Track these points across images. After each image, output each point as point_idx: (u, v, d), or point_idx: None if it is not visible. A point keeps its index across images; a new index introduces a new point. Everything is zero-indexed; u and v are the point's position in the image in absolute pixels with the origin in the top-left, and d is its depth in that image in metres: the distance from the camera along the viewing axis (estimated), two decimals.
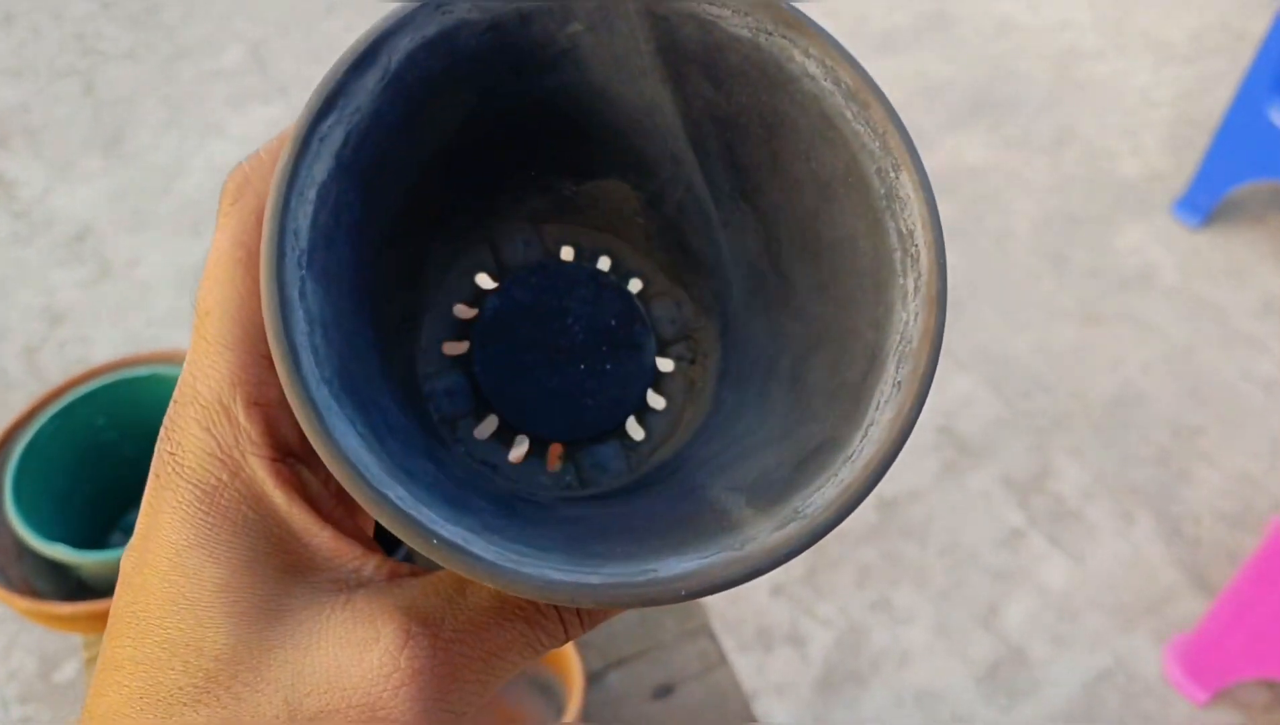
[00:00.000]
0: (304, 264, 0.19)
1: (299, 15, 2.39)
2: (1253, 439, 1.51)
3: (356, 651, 0.20)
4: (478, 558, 0.18)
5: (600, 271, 0.29)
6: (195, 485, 0.21)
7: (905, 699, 1.26)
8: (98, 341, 1.66)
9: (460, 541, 0.18)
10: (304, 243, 0.20)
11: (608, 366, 0.28)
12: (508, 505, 0.23)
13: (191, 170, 1.99)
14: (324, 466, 0.22)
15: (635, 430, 0.28)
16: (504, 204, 0.28)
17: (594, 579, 0.19)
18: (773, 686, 1.27)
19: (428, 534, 0.18)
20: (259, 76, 2.22)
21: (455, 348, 0.27)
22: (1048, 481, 1.47)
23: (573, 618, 0.22)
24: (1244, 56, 1.66)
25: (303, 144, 0.20)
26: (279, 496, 0.21)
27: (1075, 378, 1.60)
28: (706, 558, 0.20)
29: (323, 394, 0.19)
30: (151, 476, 0.22)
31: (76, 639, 1.28)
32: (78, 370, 0.76)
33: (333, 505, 0.23)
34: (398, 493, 0.18)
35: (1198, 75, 2.20)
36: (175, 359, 0.77)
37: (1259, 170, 1.72)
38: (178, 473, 0.21)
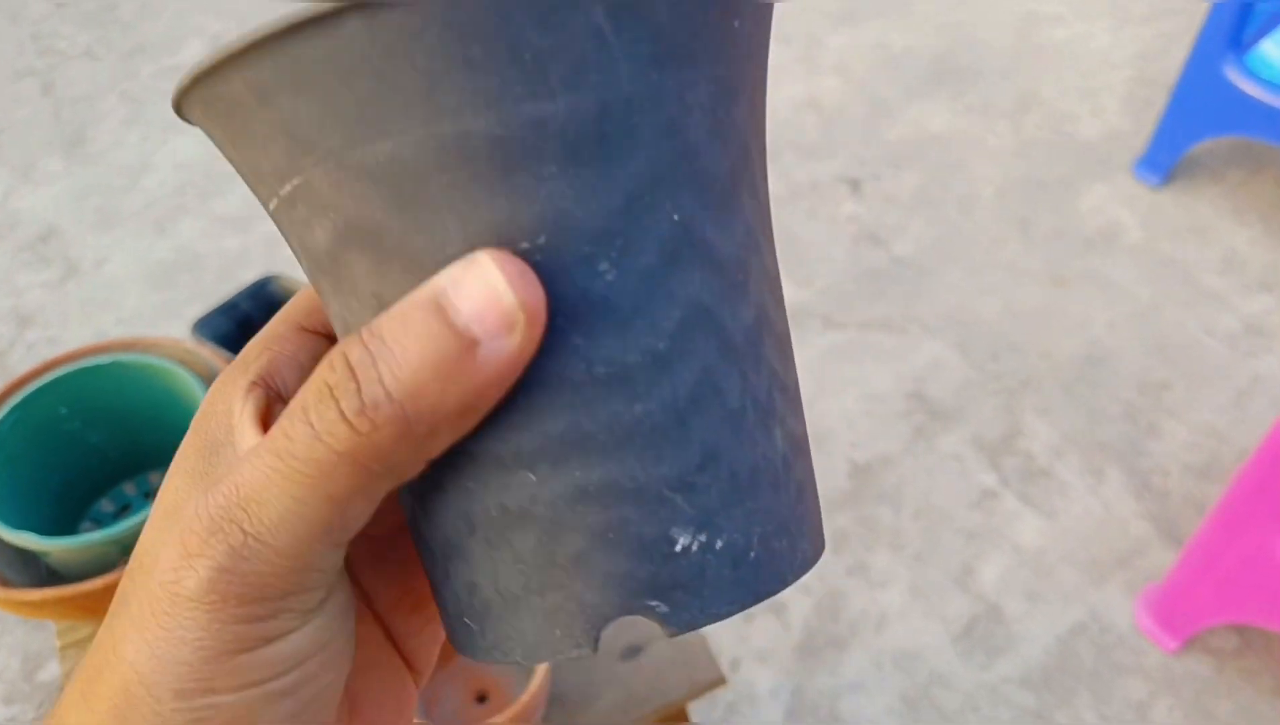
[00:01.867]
0: None
1: (258, 7, 2.37)
2: (1217, 392, 1.53)
3: (169, 519, 0.21)
4: None
5: None
6: (196, 418, 0.23)
7: (884, 661, 1.28)
8: (67, 342, 1.66)
9: None
10: None
11: None
12: None
13: (155, 167, 1.98)
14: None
15: None
16: None
17: None
18: (755, 653, 1.28)
19: None
20: None
21: None
22: (1018, 441, 1.48)
23: (326, 419, 0.18)
24: (1200, 15, 1.68)
25: None
26: (237, 406, 0.22)
27: (1043, 338, 1.62)
28: None
29: None
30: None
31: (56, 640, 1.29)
32: (43, 361, 0.76)
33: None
34: None
35: (1156, 35, 2.22)
36: (136, 347, 0.77)
37: (1216, 127, 1.74)
38: (193, 430, 0.23)
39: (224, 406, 0.22)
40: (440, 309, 0.18)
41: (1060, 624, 1.30)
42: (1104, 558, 1.36)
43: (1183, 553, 1.23)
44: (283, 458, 0.19)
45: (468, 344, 0.18)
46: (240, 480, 0.19)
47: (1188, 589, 1.22)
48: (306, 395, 0.19)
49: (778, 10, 2.37)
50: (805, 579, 1.34)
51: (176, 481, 0.22)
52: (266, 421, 0.21)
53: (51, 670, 1.28)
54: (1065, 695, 1.24)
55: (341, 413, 0.18)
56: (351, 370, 0.18)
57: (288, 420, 0.19)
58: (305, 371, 0.23)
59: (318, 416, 0.18)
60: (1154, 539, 1.37)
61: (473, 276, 0.18)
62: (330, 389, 0.18)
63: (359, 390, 0.18)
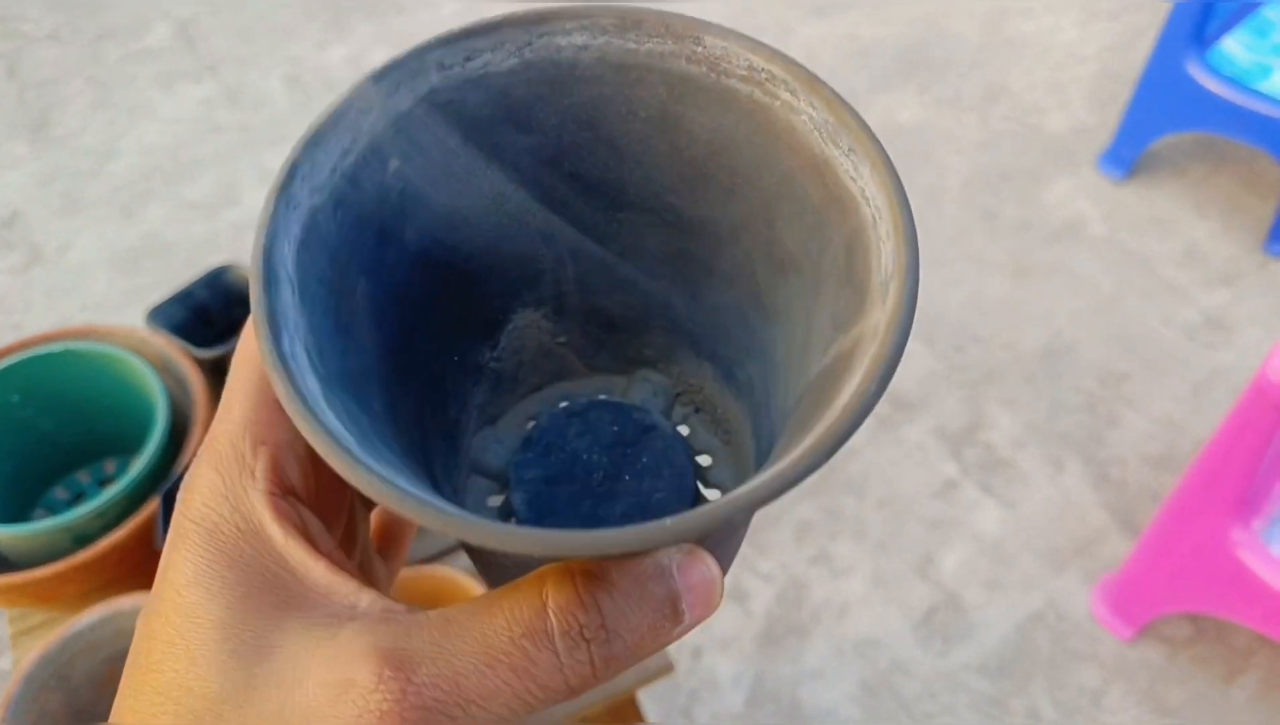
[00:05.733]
0: (294, 278, 0.21)
1: None
2: (1176, 384, 1.55)
3: (334, 693, 0.20)
4: (444, 509, 0.19)
5: (631, 405, 0.30)
6: (199, 524, 0.22)
7: (845, 649, 1.29)
8: (30, 328, 1.65)
9: (423, 496, 0.19)
10: (291, 268, 0.21)
11: (655, 496, 0.28)
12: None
13: (122, 152, 1.96)
14: (335, 514, 0.24)
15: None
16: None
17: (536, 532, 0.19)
18: (717, 642, 1.29)
19: (395, 489, 0.19)
20: (188, 55, 2.19)
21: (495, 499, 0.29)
22: (980, 432, 1.50)
23: (577, 661, 0.21)
24: (1166, 11, 1.69)
25: (278, 197, 0.21)
26: (276, 529, 0.22)
27: (1006, 329, 1.63)
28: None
29: (303, 375, 0.20)
30: (169, 532, 0.23)
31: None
32: None
33: (331, 546, 0.23)
34: (371, 462, 0.19)
35: (1122, 30, 2.24)
36: (90, 335, 0.77)
37: (1178, 123, 1.76)
38: (185, 515, 0.22)
39: (245, 519, 0.22)
40: (670, 587, 0.21)
41: (1018, 612, 1.32)
42: (1062, 547, 1.38)
43: (1137, 543, 1.25)
44: (521, 677, 0.20)
45: (681, 618, 0.21)
46: (463, 681, 0.20)
47: (1142, 579, 1.24)
48: (552, 624, 0.20)
49: (748, 1, 2.37)
50: (768, 568, 1.35)
51: (216, 602, 0.21)
52: (306, 535, 0.22)
53: (3, 663, 1.28)
54: (1021, 682, 1.25)
55: (591, 658, 0.20)
56: (603, 619, 0.20)
57: (531, 643, 0.20)
58: (303, 460, 0.23)
59: (566, 654, 0.20)
60: (1111, 529, 1.39)
61: (696, 566, 0.21)
62: (582, 631, 0.20)
63: (608, 640, 0.20)
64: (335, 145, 0.22)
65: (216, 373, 0.77)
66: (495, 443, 0.29)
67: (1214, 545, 1.11)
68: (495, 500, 0.28)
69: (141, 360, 0.73)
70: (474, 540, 0.18)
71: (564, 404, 0.29)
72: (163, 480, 0.70)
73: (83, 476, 0.80)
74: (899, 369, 0.20)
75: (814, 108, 0.24)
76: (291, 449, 0.23)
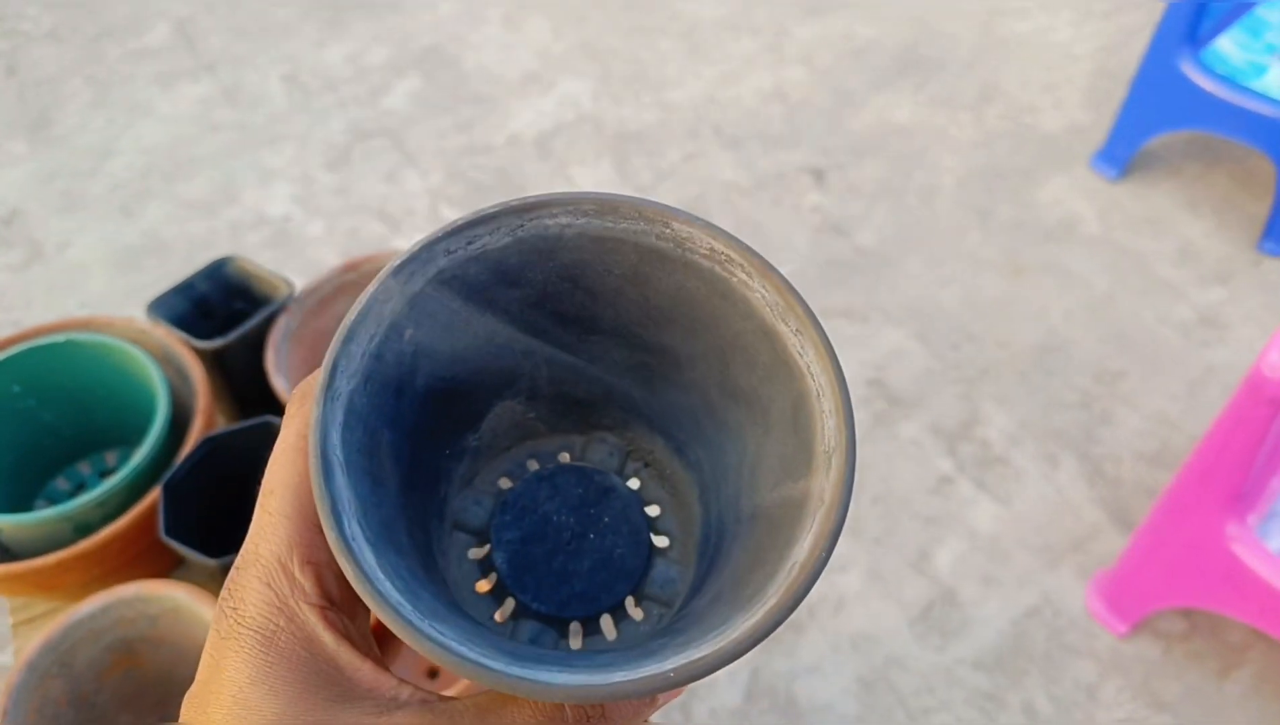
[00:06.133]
0: (342, 460, 0.25)
1: None
2: (1170, 381, 1.56)
3: None
4: (501, 672, 0.23)
5: (596, 472, 0.34)
6: (256, 632, 0.25)
7: (842, 644, 1.30)
8: (29, 325, 1.65)
9: (486, 660, 0.23)
10: (339, 453, 0.25)
11: (616, 551, 0.33)
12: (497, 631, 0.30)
13: (120, 151, 1.97)
14: (363, 615, 0.28)
15: (634, 611, 0.34)
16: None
17: (602, 679, 0.23)
18: None
19: (456, 655, 0.23)
20: (187, 54, 2.19)
21: (478, 552, 0.33)
22: (975, 429, 1.51)
23: None
24: (1160, 10, 1.70)
25: (325, 394, 0.25)
26: (328, 637, 0.25)
27: (1001, 327, 1.64)
28: (646, 671, 0.24)
29: (364, 552, 0.24)
30: (212, 633, 0.26)
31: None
32: None
33: (369, 647, 0.27)
34: (431, 625, 0.23)
35: (1116, 29, 2.25)
36: (91, 326, 0.77)
37: (1173, 121, 1.76)
38: (239, 623, 0.25)
39: (299, 629, 0.25)
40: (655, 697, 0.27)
41: (1014, 608, 1.32)
42: (1057, 543, 1.38)
43: (1132, 539, 1.25)
44: None
45: (656, 708, 0.27)
46: None
47: (1137, 574, 1.25)
48: (568, 714, 0.25)
49: (746, 1, 2.38)
50: None
51: (279, 698, 0.24)
52: (351, 640, 0.26)
53: (4, 657, 1.28)
54: (1017, 677, 1.26)
55: None
56: (604, 710, 0.26)
57: None
58: (339, 576, 0.27)
59: None
60: (1106, 525, 1.40)
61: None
62: (589, 719, 0.26)
63: (605, 718, 0.26)
64: (364, 335, 0.27)
65: (217, 364, 0.78)
66: (474, 504, 0.33)
67: (1209, 541, 1.11)
68: (475, 553, 0.33)
69: (142, 351, 0.74)
70: (528, 696, 0.23)
71: (534, 467, 0.34)
72: (164, 470, 0.71)
73: (84, 467, 0.81)
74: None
75: (766, 290, 0.28)
76: (330, 568, 0.26)
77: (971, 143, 1.97)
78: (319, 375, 0.27)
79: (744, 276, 0.28)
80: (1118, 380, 1.57)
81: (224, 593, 0.26)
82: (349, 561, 0.23)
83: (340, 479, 0.25)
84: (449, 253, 0.28)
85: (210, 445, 0.70)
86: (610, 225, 0.29)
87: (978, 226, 1.80)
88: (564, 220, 0.29)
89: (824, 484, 0.26)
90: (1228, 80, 1.64)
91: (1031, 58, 2.17)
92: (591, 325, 0.32)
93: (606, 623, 0.33)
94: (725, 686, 1.25)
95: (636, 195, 0.31)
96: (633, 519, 0.33)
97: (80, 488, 0.80)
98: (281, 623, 0.25)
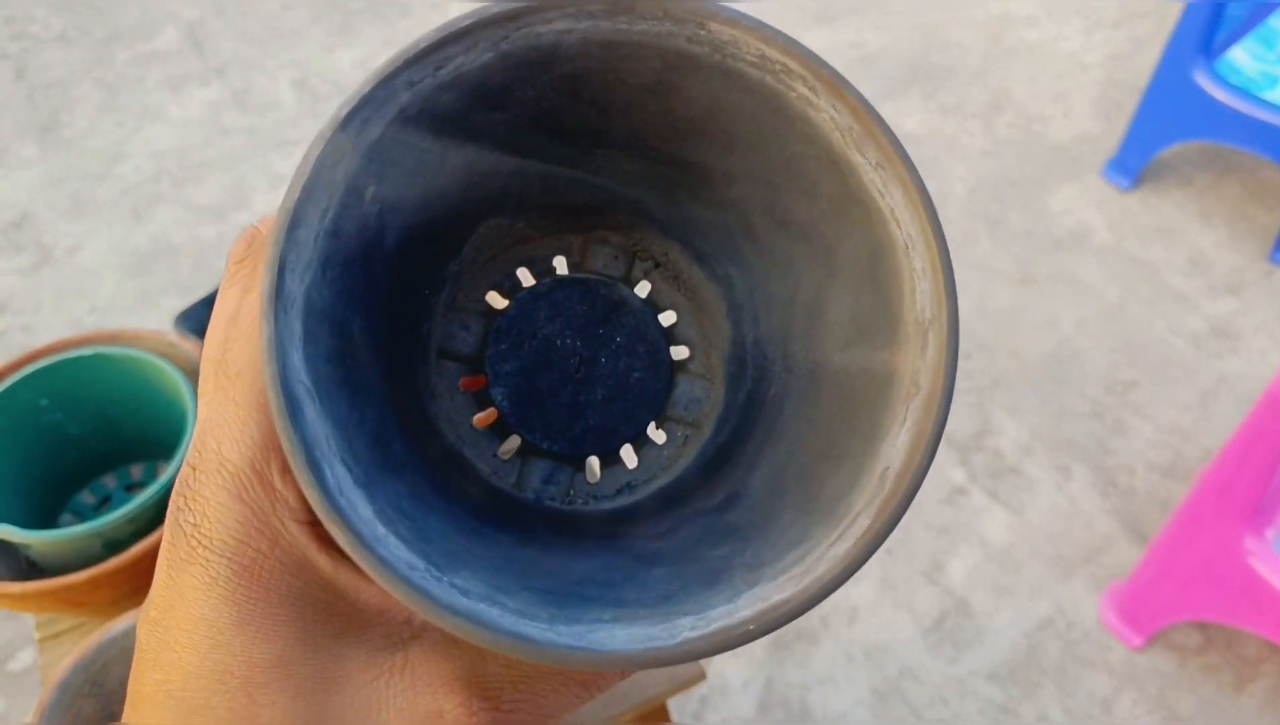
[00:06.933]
0: (309, 386, 0.20)
1: None
2: (1182, 392, 1.56)
3: (420, 724, 0.20)
4: (552, 645, 0.19)
5: (611, 282, 0.29)
6: (230, 559, 0.20)
7: (855, 654, 1.30)
8: (39, 329, 1.65)
9: (528, 629, 0.19)
10: (305, 377, 0.20)
11: (633, 376, 0.28)
12: (524, 544, 0.24)
13: (130, 154, 1.97)
14: None
15: (655, 434, 0.29)
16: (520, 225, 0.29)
17: (667, 637, 0.20)
18: None
19: (494, 632, 0.19)
20: (196, 58, 2.19)
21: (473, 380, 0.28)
22: (987, 439, 1.51)
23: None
24: (1170, 20, 1.70)
25: (274, 305, 0.20)
26: (323, 560, 0.21)
27: (1012, 337, 1.64)
28: (718, 620, 0.21)
29: (356, 509, 0.19)
30: (167, 547, 0.21)
31: (30, 629, 1.28)
32: (23, 352, 0.76)
33: None
34: (452, 585, 0.20)
35: (1126, 38, 2.25)
36: (118, 339, 0.77)
37: (1186, 132, 1.76)
38: (205, 547, 0.20)
39: (286, 553, 0.21)
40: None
41: (1027, 619, 1.32)
42: (1070, 554, 1.38)
43: (1147, 552, 1.25)
44: (589, 688, 0.23)
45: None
46: (543, 702, 0.22)
47: (1152, 587, 1.25)
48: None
49: (755, 8, 2.35)
50: None
51: (271, 641, 0.20)
52: (347, 558, 0.22)
53: (23, 660, 1.28)
54: (1031, 689, 1.26)
55: None
56: None
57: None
58: None
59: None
60: (1119, 536, 1.40)
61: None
62: None
63: None
64: (314, 213, 0.21)
65: None
66: (461, 328, 0.28)
67: (1226, 554, 1.11)
68: (468, 381, 0.28)
69: (171, 364, 0.74)
70: (586, 668, 0.20)
71: (525, 276, 0.29)
72: None
73: (109, 480, 0.80)
74: None
75: (836, 110, 0.22)
76: None
77: (981, 151, 1.97)
78: (273, 231, 0.21)
79: (806, 91, 0.22)
80: (1129, 390, 1.57)
81: (177, 500, 0.21)
82: (342, 530, 0.19)
83: (311, 412, 0.19)
84: (412, 85, 0.22)
85: None
86: (625, 27, 0.22)
87: (988, 235, 1.81)
88: (561, 25, 0.22)
89: (918, 364, 0.22)
90: (1241, 91, 1.64)
91: (1041, 66, 2.18)
92: (596, 139, 0.26)
93: (627, 451, 0.28)
94: (738, 696, 1.25)
95: None
96: (649, 336, 0.28)
97: (106, 501, 0.80)
98: (263, 547, 0.20)
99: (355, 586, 0.21)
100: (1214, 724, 1.23)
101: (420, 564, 0.19)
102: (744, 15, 0.22)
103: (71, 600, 0.65)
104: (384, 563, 0.19)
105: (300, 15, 2.30)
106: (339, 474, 0.19)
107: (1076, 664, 1.28)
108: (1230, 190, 1.88)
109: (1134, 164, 1.86)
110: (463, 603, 0.19)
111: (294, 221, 0.20)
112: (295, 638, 0.20)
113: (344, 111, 0.21)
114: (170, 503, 0.21)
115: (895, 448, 0.21)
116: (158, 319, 1.63)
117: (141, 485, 0.80)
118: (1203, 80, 1.66)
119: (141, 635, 0.21)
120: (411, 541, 0.20)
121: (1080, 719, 1.23)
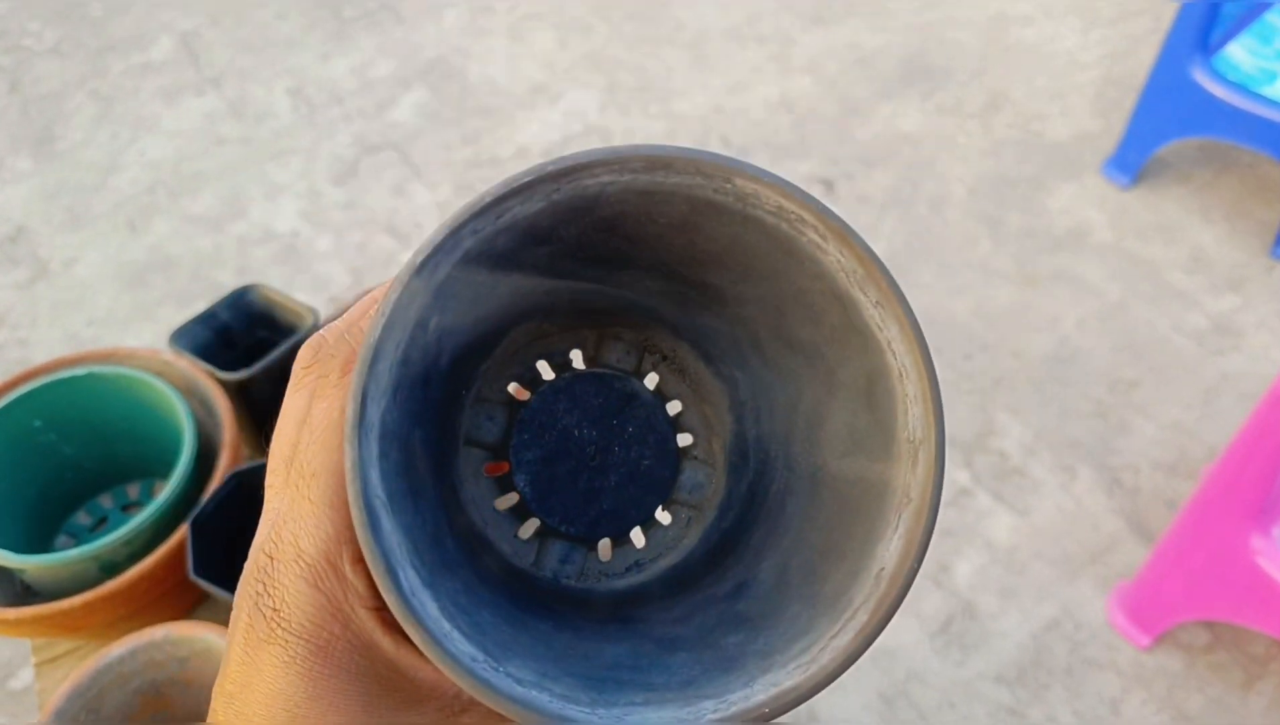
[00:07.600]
0: (384, 499, 0.23)
1: (229, 4, 2.35)
2: (1185, 390, 1.55)
3: None
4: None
5: (623, 377, 0.32)
6: (307, 641, 0.23)
7: (862, 659, 1.29)
8: (36, 343, 1.64)
9: (572, 712, 0.22)
10: (380, 492, 0.23)
11: (643, 463, 0.31)
12: (559, 630, 0.27)
13: (126, 166, 1.96)
14: None
15: (661, 516, 0.32)
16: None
17: (692, 718, 0.22)
18: None
19: (544, 714, 0.21)
20: (191, 68, 2.19)
21: (496, 468, 0.31)
22: (991, 440, 1.50)
23: None
24: (1167, 17, 1.70)
25: (357, 431, 0.22)
26: (387, 642, 0.23)
27: (1014, 337, 1.63)
28: (737, 704, 0.23)
29: (427, 609, 0.22)
30: (244, 629, 0.23)
31: (28, 646, 1.27)
32: (17, 373, 0.75)
33: None
34: (509, 675, 0.22)
35: (1123, 37, 2.24)
36: (112, 358, 0.76)
37: (1184, 129, 1.76)
38: (284, 629, 0.23)
39: (357, 636, 0.24)
40: None
41: (1034, 620, 1.31)
42: (1076, 554, 1.37)
43: (1153, 551, 1.24)
44: None
45: None
46: None
47: (1158, 587, 1.24)
48: None
49: (752, 9, 2.38)
50: None
51: (338, 714, 0.23)
52: (403, 634, 0.24)
53: (24, 679, 1.27)
54: (1039, 691, 1.25)
55: None
56: None
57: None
58: None
59: None
60: (1125, 535, 1.39)
61: None
62: None
63: None
64: (390, 348, 0.23)
65: (242, 395, 0.77)
66: (486, 419, 0.31)
67: (1233, 553, 1.11)
68: (492, 468, 0.31)
69: (166, 383, 0.73)
70: None
71: (544, 368, 0.31)
72: (190, 506, 0.70)
73: (105, 500, 0.80)
74: None
75: (843, 256, 0.25)
76: None
77: (980, 151, 1.96)
78: (345, 344, 0.24)
79: (816, 237, 0.25)
80: (1132, 389, 1.56)
81: (255, 586, 0.23)
82: (416, 630, 0.21)
83: (387, 523, 0.22)
84: (476, 233, 0.25)
85: (237, 481, 0.69)
86: (660, 180, 0.25)
87: (988, 235, 1.80)
88: (606, 178, 0.25)
89: (909, 478, 0.24)
90: (1239, 87, 1.63)
91: (1038, 65, 2.17)
92: (624, 263, 0.29)
93: (636, 533, 0.31)
94: None
95: (692, 146, 0.28)
96: (658, 426, 0.31)
97: (102, 521, 0.79)
98: (336, 630, 0.23)
99: (414, 665, 0.24)
100: (1223, 723, 1.22)
101: (480, 656, 0.22)
102: (765, 172, 0.25)
103: (67, 625, 0.65)
104: (452, 658, 0.21)
105: (295, 24, 2.30)
106: (410, 578, 0.22)
107: (1084, 665, 1.27)
108: (1230, 186, 1.87)
109: (1133, 162, 1.85)
110: (518, 691, 0.22)
111: (375, 357, 0.23)
112: (362, 710, 0.23)
113: (418, 259, 0.24)
114: (244, 585, 0.24)
115: (889, 551, 0.24)
116: (155, 331, 1.63)
117: (138, 504, 0.79)
118: (1200, 77, 1.65)
119: (218, 706, 0.24)
120: (470, 635, 0.23)
121: (1089, 720, 1.22)
